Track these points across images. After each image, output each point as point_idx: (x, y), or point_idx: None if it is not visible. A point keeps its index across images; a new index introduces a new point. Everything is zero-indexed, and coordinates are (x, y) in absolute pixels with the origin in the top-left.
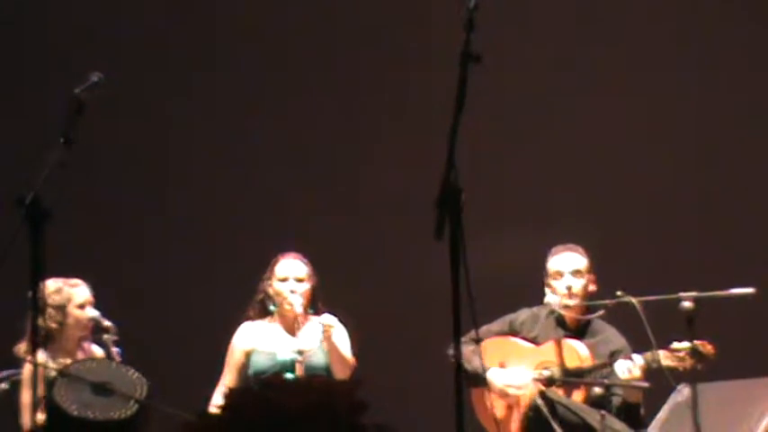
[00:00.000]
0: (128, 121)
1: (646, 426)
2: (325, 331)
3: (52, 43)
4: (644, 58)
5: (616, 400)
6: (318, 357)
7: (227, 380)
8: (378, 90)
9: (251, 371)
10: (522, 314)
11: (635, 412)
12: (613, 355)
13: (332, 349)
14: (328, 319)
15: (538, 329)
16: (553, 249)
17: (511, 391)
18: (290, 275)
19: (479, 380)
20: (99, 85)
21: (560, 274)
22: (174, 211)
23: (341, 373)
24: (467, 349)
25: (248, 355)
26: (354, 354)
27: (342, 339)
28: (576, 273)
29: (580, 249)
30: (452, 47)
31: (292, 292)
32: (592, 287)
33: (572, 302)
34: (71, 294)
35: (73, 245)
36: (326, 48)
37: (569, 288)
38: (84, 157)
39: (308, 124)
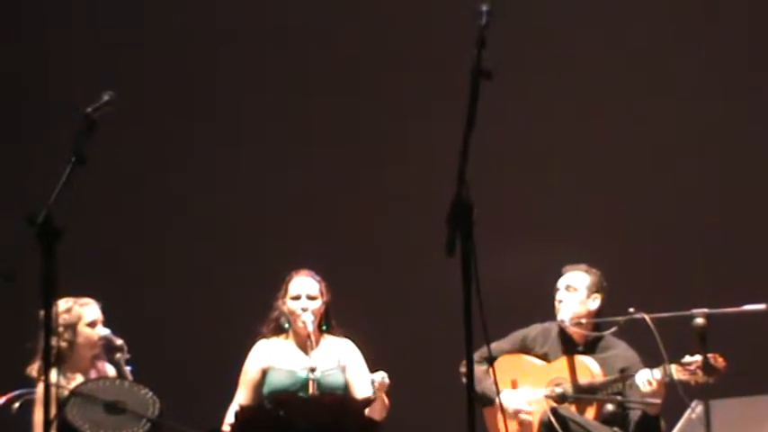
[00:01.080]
0: (138, 139)
1: None
2: (378, 388)
3: (63, 61)
4: (655, 72)
5: (635, 414)
6: (336, 377)
7: (241, 398)
8: (394, 106)
9: (267, 388)
10: (534, 330)
11: (655, 425)
12: (624, 371)
13: (379, 400)
14: (382, 376)
15: (548, 346)
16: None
17: (522, 416)
18: (303, 293)
19: (489, 400)
20: (111, 104)
21: (558, 291)
22: (185, 229)
23: (378, 416)
24: (479, 370)
25: (264, 373)
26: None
27: (361, 367)
28: (569, 288)
29: (586, 268)
30: (463, 55)
31: (304, 309)
32: (593, 304)
33: (564, 318)
34: (81, 313)
35: (83, 263)
36: (340, 59)
37: (559, 302)
38: (93, 176)
39: (321, 139)
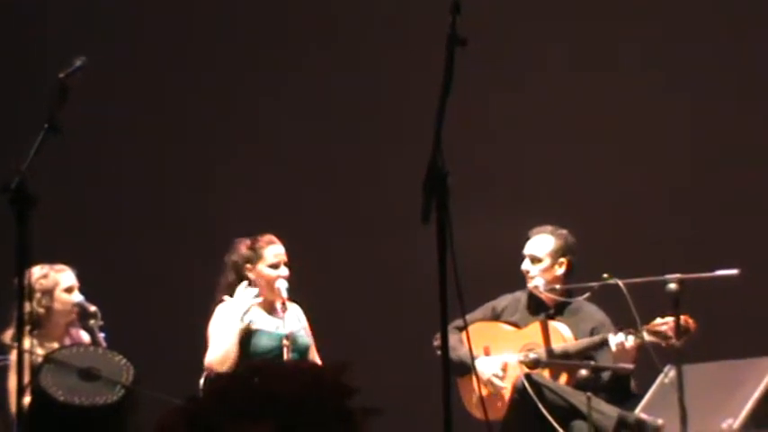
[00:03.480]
0: (114, 105)
1: (635, 397)
2: None
3: (37, 28)
4: (630, 41)
5: (606, 374)
6: (305, 338)
7: (225, 342)
8: (365, 75)
9: (252, 350)
10: (504, 300)
11: (625, 383)
12: (593, 332)
13: None
14: None
15: (519, 313)
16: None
17: (496, 382)
18: (281, 261)
19: (464, 369)
20: (83, 70)
21: (524, 260)
22: (156, 196)
23: None
24: (453, 338)
25: (249, 329)
26: (317, 341)
27: (307, 333)
28: (533, 260)
29: (551, 230)
30: (438, 30)
31: (281, 277)
32: (560, 270)
33: (538, 284)
34: (58, 279)
35: (55, 231)
36: (317, 31)
37: (526, 272)
38: (65, 142)
39: (291, 108)
